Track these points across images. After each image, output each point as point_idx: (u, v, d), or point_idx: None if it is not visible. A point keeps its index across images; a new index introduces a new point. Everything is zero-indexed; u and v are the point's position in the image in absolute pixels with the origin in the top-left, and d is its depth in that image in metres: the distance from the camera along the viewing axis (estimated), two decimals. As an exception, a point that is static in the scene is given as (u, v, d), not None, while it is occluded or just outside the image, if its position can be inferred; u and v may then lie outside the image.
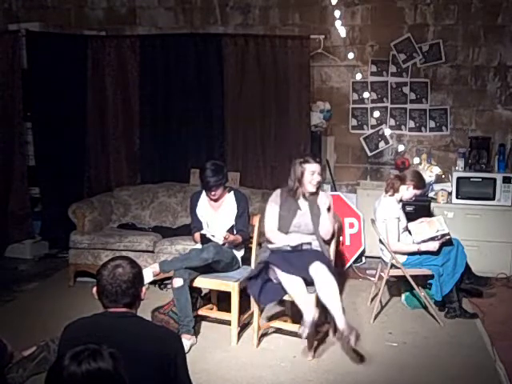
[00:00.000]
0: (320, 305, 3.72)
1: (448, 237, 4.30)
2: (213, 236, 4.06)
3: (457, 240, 4.42)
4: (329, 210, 4.01)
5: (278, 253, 3.85)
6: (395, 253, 4.31)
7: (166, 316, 4.09)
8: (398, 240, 4.33)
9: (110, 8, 6.36)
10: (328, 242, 4.09)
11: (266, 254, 3.95)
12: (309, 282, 3.73)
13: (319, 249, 3.95)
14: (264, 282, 3.82)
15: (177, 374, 2.22)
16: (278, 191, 4.09)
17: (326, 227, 3.98)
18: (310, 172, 3.93)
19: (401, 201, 4.48)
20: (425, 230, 4.31)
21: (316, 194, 4.03)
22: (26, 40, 5.51)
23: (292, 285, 3.71)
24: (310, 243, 3.90)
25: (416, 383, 3.53)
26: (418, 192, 4.47)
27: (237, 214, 4.24)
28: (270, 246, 3.96)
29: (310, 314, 3.59)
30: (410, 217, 4.57)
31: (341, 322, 3.60)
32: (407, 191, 4.41)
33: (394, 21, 5.85)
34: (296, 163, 3.99)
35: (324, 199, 4.01)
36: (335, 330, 3.80)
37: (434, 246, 4.27)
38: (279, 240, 3.93)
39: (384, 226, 4.36)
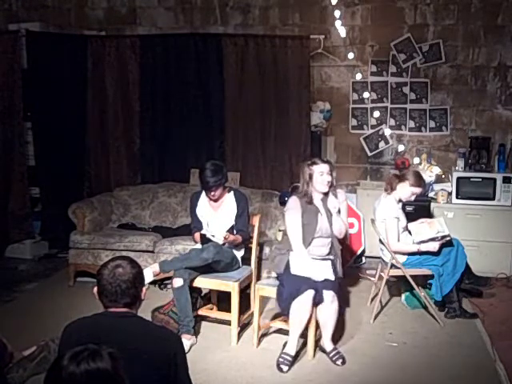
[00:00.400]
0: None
1: (448, 238, 4.30)
2: (213, 236, 4.06)
3: (457, 240, 4.42)
4: (339, 211, 3.99)
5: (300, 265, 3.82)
6: (395, 253, 4.31)
7: (166, 316, 4.09)
8: (398, 240, 4.33)
9: (110, 8, 6.36)
10: (342, 241, 4.11)
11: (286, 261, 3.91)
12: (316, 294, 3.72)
13: (332, 257, 3.92)
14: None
15: (177, 373, 2.22)
16: (294, 197, 3.93)
17: (338, 228, 3.93)
18: (319, 173, 3.86)
19: (400, 201, 4.46)
20: (425, 230, 4.31)
21: (328, 195, 3.96)
22: (26, 40, 5.51)
23: (300, 311, 3.68)
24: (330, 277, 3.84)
25: (416, 383, 3.53)
26: (415, 190, 4.40)
27: (237, 213, 4.23)
28: (293, 258, 3.87)
29: (293, 347, 3.72)
30: (410, 217, 4.57)
31: (328, 346, 3.80)
32: (404, 189, 4.38)
33: (393, 21, 5.85)
34: (304, 166, 3.91)
35: (334, 202, 3.96)
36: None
37: (433, 246, 4.27)
38: (303, 257, 3.84)
39: (384, 226, 4.36)
